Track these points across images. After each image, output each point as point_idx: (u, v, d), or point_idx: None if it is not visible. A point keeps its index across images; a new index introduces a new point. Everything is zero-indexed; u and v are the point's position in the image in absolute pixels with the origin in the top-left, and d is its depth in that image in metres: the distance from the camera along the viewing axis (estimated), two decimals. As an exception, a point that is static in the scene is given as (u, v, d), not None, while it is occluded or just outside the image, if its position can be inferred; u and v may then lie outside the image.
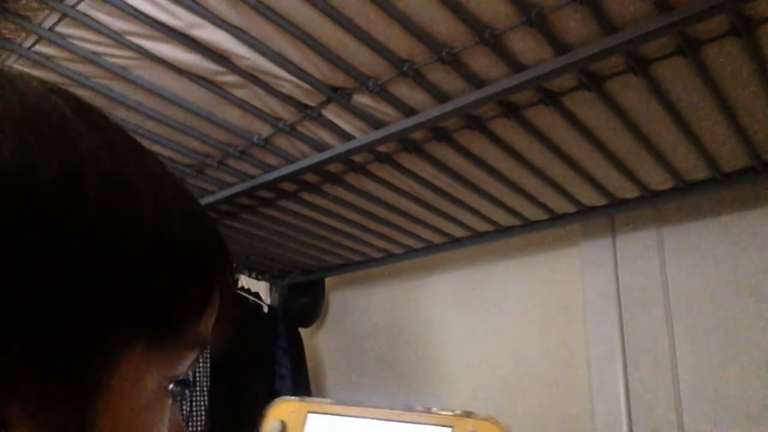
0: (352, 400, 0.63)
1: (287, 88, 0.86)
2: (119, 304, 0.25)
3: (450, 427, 0.52)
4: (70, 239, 0.24)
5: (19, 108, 0.25)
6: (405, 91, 0.85)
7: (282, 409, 0.56)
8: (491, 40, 0.74)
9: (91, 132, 0.27)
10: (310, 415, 0.55)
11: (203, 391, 1.33)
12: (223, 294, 0.32)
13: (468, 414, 0.52)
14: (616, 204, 1.18)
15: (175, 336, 0.29)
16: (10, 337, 0.22)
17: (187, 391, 1.31)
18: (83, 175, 0.25)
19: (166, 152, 1.05)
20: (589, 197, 1.17)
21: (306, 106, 0.91)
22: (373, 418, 0.54)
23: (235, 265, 1.62)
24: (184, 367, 0.29)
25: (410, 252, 1.49)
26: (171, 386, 0.29)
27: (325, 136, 0.97)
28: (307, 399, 0.56)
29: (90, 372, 0.24)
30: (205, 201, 1.18)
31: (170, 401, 0.30)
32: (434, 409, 0.54)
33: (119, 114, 0.95)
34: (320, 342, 1.82)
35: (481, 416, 0.52)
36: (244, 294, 1.59)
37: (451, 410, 0.53)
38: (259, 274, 1.70)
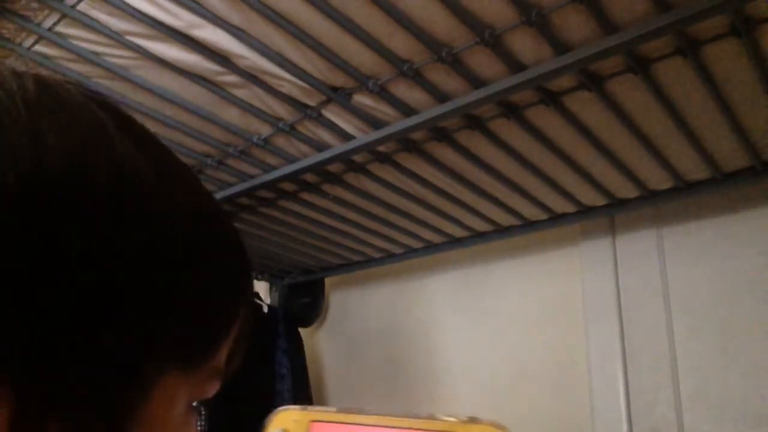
0: (355, 408, 0.62)
1: (287, 88, 0.87)
2: (160, 331, 0.26)
3: None
4: (114, 263, 0.24)
5: (66, 119, 0.25)
6: (405, 91, 0.85)
7: (284, 419, 0.56)
8: (491, 40, 0.74)
9: (132, 145, 0.27)
10: (313, 425, 0.55)
11: (203, 391, 1.33)
12: (246, 311, 0.32)
13: (473, 420, 0.52)
14: (616, 204, 1.18)
15: (208, 359, 0.29)
16: (52, 360, 0.22)
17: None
18: (127, 196, 0.25)
19: (166, 152, 1.05)
20: (589, 197, 1.17)
21: (306, 106, 0.91)
22: (377, 426, 0.54)
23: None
24: (212, 387, 0.30)
25: (410, 252, 1.49)
26: (195, 404, 0.30)
27: (325, 136, 0.97)
28: (310, 408, 0.56)
29: (127, 397, 0.25)
30: (204, 201, 1.18)
31: (195, 419, 0.30)
32: (438, 415, 0.53)
33: (119, 114, 0.95)
34: (320, 342, 1.82)
35: (485, 422, 0.52)
36: (244, 294, 1.59)
37: (455, 416, 0.53)
38: (259, 274, 1.70)
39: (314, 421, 0.55)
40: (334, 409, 0.57)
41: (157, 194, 0.27)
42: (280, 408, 0.58)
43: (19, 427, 0.22)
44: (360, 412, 0.55)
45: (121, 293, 0.24)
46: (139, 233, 0.25)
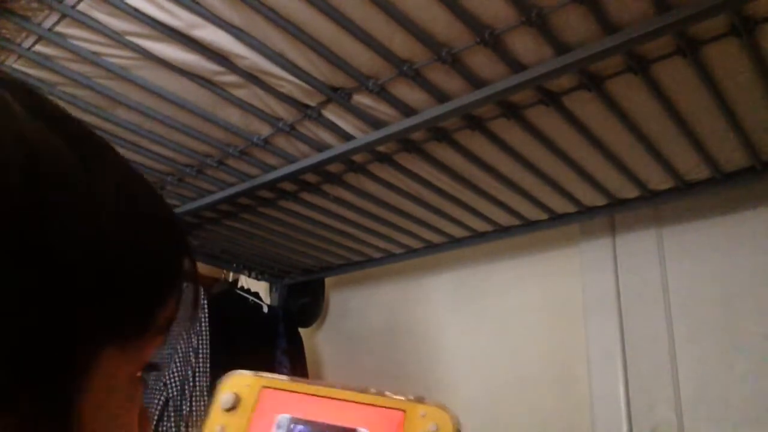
0: (307, 379, 0.63)
1: (287, 88, 0.86)
2: (93, 307, 0.25)
3: (402, 411, 0.53)
4: (41, 247, 0.23)
5: None
6: (405, 91, 0.85)
7: (236, 382, 0.56)
8: (491, 40, 0.74)
9: (47, 127, 0.26)
10: (264, 390, 0.55)
11: (203, 390, 1.33)
12: (187, 278, 0.32)
13: (420, 400, 0.54)
14: (616, 204, 1.18)
15: (146, 328, 0.29)
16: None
17: (187, 391, 1.31)
18: (43, 178, 0.24)
19: (167, 152, 1.05)
20: (589, 197, 1.17)
21: (306, 106, 0.91)
22: (327, 398, 0.55)
23: (234, 265, 1.62)
24: (152, 352, 0.30)
25: (410, 252, 1.49)
26: (141, 373, 0.30)
27: (325, 136, 0.97)
28: (262, 374, 0.56)
29: (72, 375, 0.25)
30: (204, 201, 1.18)
31: (141, 389, 0.30)
32: (387, 393, 0.54)
33: (120, 114, 0.95)
34: (320, 342, 1.82)
35: (432, 402, 0.53)
36: (244, 294, 1.59)
37: (404, 395, 0.54)
38: (259, 274, 1.69)
39: (265, 387, 0.55)
40: (286, 378, 0.58)
41: (79, 174, 0.26)
42: (234, 372, 0.58)
43: None
44: (310, 382, 0.56)
45: (48, 278, 0.24)
46: (62, 216, 0.24)
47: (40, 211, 0.24)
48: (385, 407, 0.56)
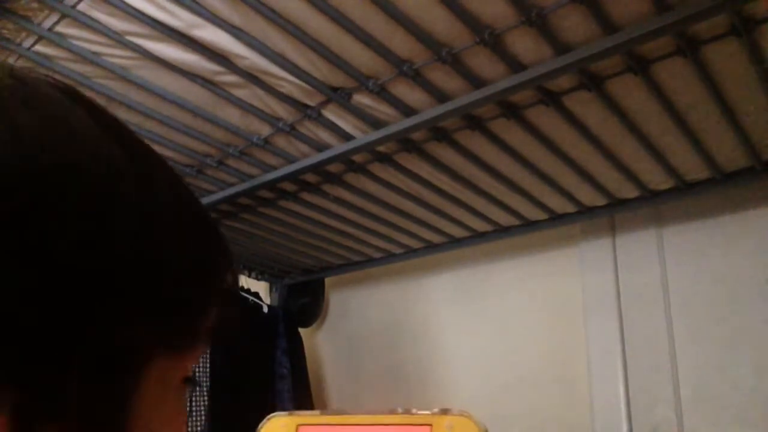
0: (338, 410, 0.64)
1: (287, 88, 0.86)
2: (148, 312, 0.26)
3: (428, 425, 0.55)
4: (101, 260, 0.24)
5: (44, 113, 0.25)
6: (405, 91, 0.85)
7: (273, 426, 0.58)
8: (491, 40, 0.74)
9: (110, 138, 0.27)
10: (300, 428, 0.57)
11: (203, 390, 1.33)
12: (227, 290, 0.33)
13: (444, 411, 0.55)
14: (616, 204, 1.18)
15: (193, 336, 0.30)
16: (49, 361, 0.23)
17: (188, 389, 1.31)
18: (113, 193, 0.25)
19: (166, 152, 1.05)
20: (589, 197, 1.17)
21: (306, 106, 0.91)
22: (358, 425, 0.57)
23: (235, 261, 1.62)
24: (194, 361, 0.31)
25: (410, 252, 1.49)
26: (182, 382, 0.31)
27: (325, 136, 0.97)
28: (296, 413, 0.58)
29: (123, 388, 0.25)
30: (204, 201, 1.18)
31: (185, 394, 0.31)
32: (414, 410, 0.56)
33: (120, 114, 0.95)
34: (320, 342, 1.82)
35: (456, 412, 0.55)
36: (244, 294, 1.59)
37: (428, 409, 0.56)
38: (259, 274, 1.69)
39: (301, 425, 0.57)
40: (318, 412, 0.59)
41: (138, 186, 0.27)
42: (270, 416, 0.60)
43: (21, 424, 0.22)
44: (342, 412, 0.57)
45: (108, 289, 0.24)
46: (121, 226, 0.25)
47: (98, 216, 0.25)
48: (412, 425, 0.57)
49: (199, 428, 1.31)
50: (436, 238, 1.40)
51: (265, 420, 0.58)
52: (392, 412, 0.55)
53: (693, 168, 1.04)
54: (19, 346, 0.22)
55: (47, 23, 0.77)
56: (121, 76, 0.85)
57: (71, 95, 0.28)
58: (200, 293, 0.30)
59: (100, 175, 0.25)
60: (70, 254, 0.23)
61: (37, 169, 0.23)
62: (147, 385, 0.27)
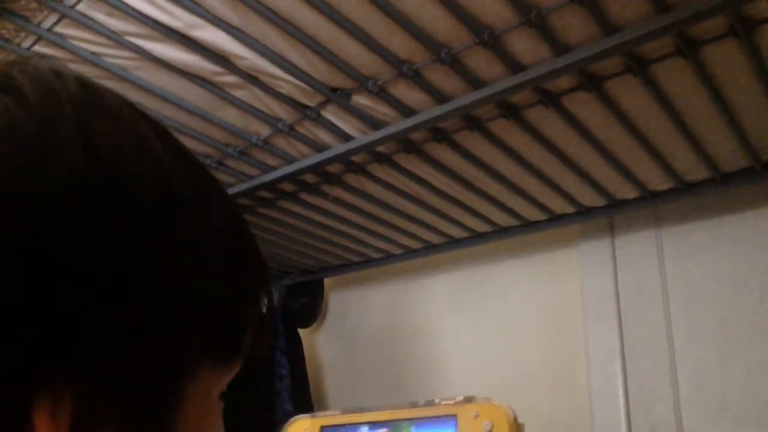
0: (358, 408, 0.64)
1: (286, 89, 0.86)
2: (197, 326, 0.27)
3: (453, 415, 0.54)
4: (161, 270, 0.25)
5: (111, 122, 0.26)
6: (404, 92, 0.85)
7: (297, 429, 0.58)
8: (490, 40, 0.74)
9: (171, 154, 0.28)
10: (324, 430, 0.56)
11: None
12: (266, 310, 0.34)
13: (469, 399, 0.54)
14: (615, 204, 1.18)
15: (236, 350, 0.31)
16: (109, 365, 0.24)
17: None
18: (171, 211, 0.26)
19: (166, 153, 1.05)
20: (588, 198, 1.17)
21: (305, 107, 0.91)
22: (381, 421, 0.56)
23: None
24: (232, 377, 0.32)
25: (409, 252, 1.49)
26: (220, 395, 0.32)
27: (325, 136, 0.97)
28: (318, 414, 0.58)
29: (171, 395, 0.26)
30: (204, 201, 1.18)
31: (221, 408, 0.32)
32: (437, 401, 0.55)
33: (118, 114, 0.95)
34: (319, 342, 1.82)
35: (482, 399, 0.54)
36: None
37: (452, 398, 0.55)
38: (258, 275, 1.69)
39: (324, 426, 0.57)
40: (339, 412, 0.59)
41: (197, 203, 0.28)
42: (292, 419, 0.60)
43: (76, 427, 0.23)
44: (363, 410, 0.57)
45: (167, 299, 0.25)
46: (181, 240, 0.26)
47: (165, 231, 0.26)
48: (437, 416, 0.56)
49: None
50: (435, 239, 1.40)
51: (288, 423, 0.58)
52: (413, 405, 0.55)
53: (692, 168, 1.04)
54: (86, 347, 0.23)
55: (46, 23, 0.77)
56: (121, 76, 0.85)
57: (131, 106, 0.29)
58: (243, 307, 0.31)
59: (163, 190, 0.26)
60: (130, 264, 0.24)
61: (105, 181, 0.24)
62: (193, 397, 0.27)
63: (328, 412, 0.59)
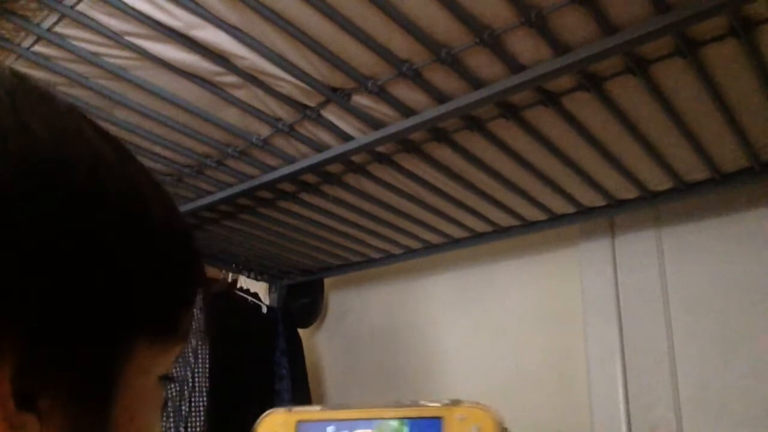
0: (340, 404, 0.63)
1: (286, 89, 0.86)
2: (132, 304, 0.28)
3: (439, 418, 0.53)
4: (97, 249, 0.27)
5: (47, 110, 0.28)
6: (404, 92, 0.85)
7: (271, 423, 0.56)
8: (490, 40, 0.74)
9: (99, 136, 0.30)
10: (300, 425, 0.55)
11: (203, 391, 1.33)
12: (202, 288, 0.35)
13: (456, 402, 0.53)
14: (616, 204, 1.18)
15: (173, 328, 0.32)
16: (42, 337, 0.25)
17: (186, 391, 1.31)
18: (104, 190, 0.28)
19: (166, 152, 1.05)
20: (588, 198, 1.17)
21: (305, 107, 0.91)
22: (362, 419, 0.55)
23: (233, 266, 1.62)
24: (172, 359, 0.33)
25: (409, 252, 1.49)
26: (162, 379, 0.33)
27: (324, 136, 0.97)
28: (295, 409, 0.56)
29: (110, 368, 0.28)
30: (204, 201, 1.18)
31: (163, 393, 0.33)
32: (422, 402, 0.54)
33: (119, 114, 0.95)
34: (319, 342, 1.82)
35: (469, 403, 0.53)
36: (243, 294, 1.59)
37: (439, 401, 0.53)
38: (258, 275, 1.69)
39: (300, 421, 0.55)
40: (319, 408, 0.57)
41: (127, 181, 0.30)
42: (267, 412, 0.59)
43: (18, 394, 0.24)
44: (344, 407, 0.55)
45: (99, 274, 0.27)
46: (112, 216, 0.28)
47: (97, 207, 0.27)
48: (421, 417, 0.55)
49: (198, 429, 1.31)
50: (435, 239, 1.40)
51: (262, 416, 0.56)
52: (398, 404, 0.53)
53: (692, 168, 1.04)
54: (23, 318, 0.24)
55: (46, 23, 0.77)
56: (120, 76, 0.85)
57: (66, 104, 0.30)
58: (179, 286, 0.32)
59: (96, 172, 0.28)
60: (64, 239, 0.25)
61: (44, 168, 0.25)
62: (129, 374, 0.28)
63: (307, 407, 0.58)
